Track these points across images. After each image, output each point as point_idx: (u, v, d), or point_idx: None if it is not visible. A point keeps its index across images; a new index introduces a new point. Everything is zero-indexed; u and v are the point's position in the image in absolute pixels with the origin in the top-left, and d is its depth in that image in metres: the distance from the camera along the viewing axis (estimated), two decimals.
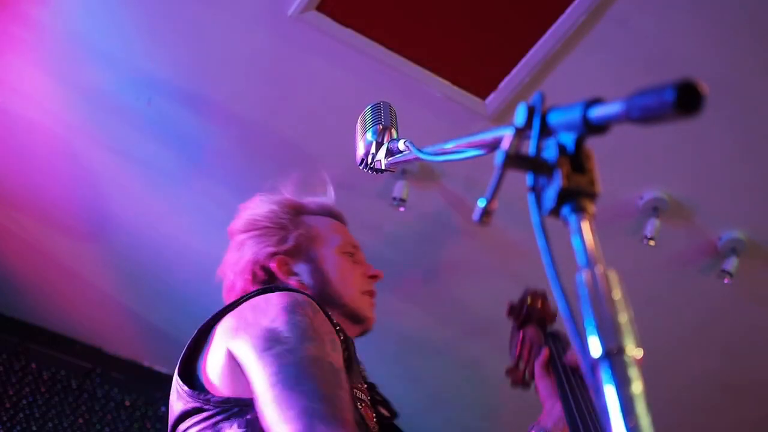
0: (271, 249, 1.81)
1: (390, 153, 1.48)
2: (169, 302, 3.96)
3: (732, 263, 3.44)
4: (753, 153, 3.20)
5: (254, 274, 1.80)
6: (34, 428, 4.06)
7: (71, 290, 4.09)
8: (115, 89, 3.22)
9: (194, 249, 3.79)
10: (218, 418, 1.46)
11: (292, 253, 1.82)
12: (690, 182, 3.32)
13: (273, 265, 1.80)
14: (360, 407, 1.50)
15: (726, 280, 3.47)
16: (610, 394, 0.69)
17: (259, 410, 1.38)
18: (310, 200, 1.94)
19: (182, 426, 1.52)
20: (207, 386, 1.51)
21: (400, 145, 1.45)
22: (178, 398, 1.55)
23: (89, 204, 3.69)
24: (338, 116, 3.13)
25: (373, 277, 1.87)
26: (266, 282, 1.80)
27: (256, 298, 1.57)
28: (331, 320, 1.56)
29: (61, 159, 3.50)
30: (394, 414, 1.74)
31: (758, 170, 3.25)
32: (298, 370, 1.38)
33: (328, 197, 1.98)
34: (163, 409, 4.27)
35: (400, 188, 3.38)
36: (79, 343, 4.29)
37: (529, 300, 2.17)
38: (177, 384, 1.56)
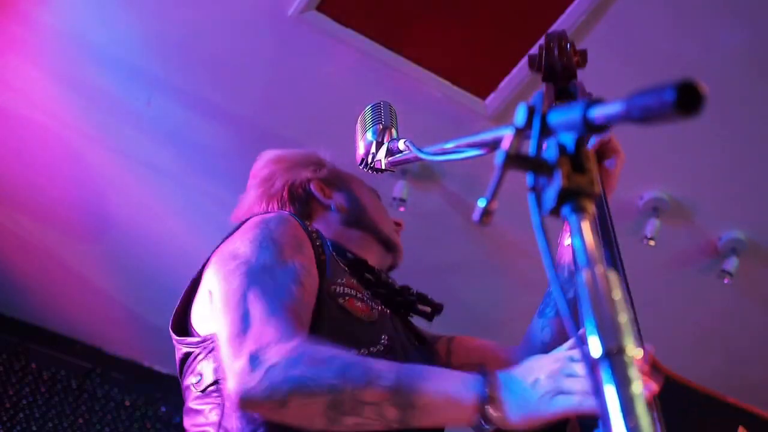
0: (308, 174, 1.82)
1: (390, 153, 1.48)
2: (169, 302, 3.94)
3: (732, 263, 3.44)
4: (753, 153, 3.20)
5: (292, 194, 1.80)
6: (34, 428, 4.05)
7: (71, 290, 4.08)
8: (114, 89, 3.22)
9: (194, 249, 3.78)
10: (200, 358, 1.47)
11: (328, 181, 1.84)
12: (690, 182, 3.32)
13: (313, 186, 1.81)
14: (342, 301, 1.50)
15: (726, 280, 3.47)
16: (610, 394, 0.69)
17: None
18: None
19: (184, 375, 1.52)
20: (194, 330, 1.52)
21: (400, 144, 1.46)
22: (175, 350, 1.55)
23: (89, 204, 3.69)
24: (338, 116, 3.13)
25: (398, 224, 1.89)
26: (305, 202, 1.80)
27: (233, 234, 1.57)
28: (305, 228, 1.57)
29: (61, 159, 3.49)
30: (435, 308, 1.79)
31: (758, 170, 3.25)
32: (245, 280, 1.40)
33: None
34: (163, 409, 4.26)
35: (400, 188, 3.38)
36: (79, 343, 4.29)
37: (546, 45, 1.78)
38: (171, 334, 1.57)
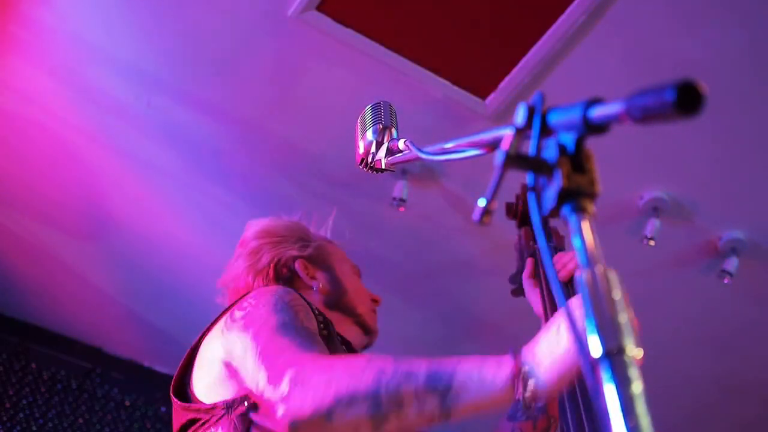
0: (294, 252, 1.88)
1: (390, 152, 1.48)
2: (170, 302, 3.96)
3: (732, 263, 3.44)
4: (753, 153, 3.19)
5: (278, 272, 1.85)
6: (34, 428, 4.05)
7: (71, 290, 4.08)
8: (114, 89, 3.22)
9: (194, 248, 3.79)
10: (208, 424, 1.51)
11: (312, 260, 1.90)
12: (690, 182, 3.32)
13: (297, 266, 1.86)
14: None
15: (726, 280, 3.47)
16: (610, 394, 0.69)
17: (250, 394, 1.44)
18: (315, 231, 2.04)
19: None
20: (199, 396, 1.57)
21: (400, 144, 1.46)
22: (175, 413, 1.60)
23: (89, 204, 3.69)
24: (338, 116, 3.13)
25: (375, 301, 1.95)
26: (289, 280, 1.85)
27: (240, 302, 1.61)
28: (309, 305, 1.63)
29: (61, 159, 3.49)
30: None
31: (758, 170, 3.25)
32: (271, 335, 1.44)
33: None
34: (163, 409, 4.26)
35: (400, 188, 3.38)
36: (79, 343, 4.29)
37: (522, 194, 1.96)
38: (172, 399, 1.62)
